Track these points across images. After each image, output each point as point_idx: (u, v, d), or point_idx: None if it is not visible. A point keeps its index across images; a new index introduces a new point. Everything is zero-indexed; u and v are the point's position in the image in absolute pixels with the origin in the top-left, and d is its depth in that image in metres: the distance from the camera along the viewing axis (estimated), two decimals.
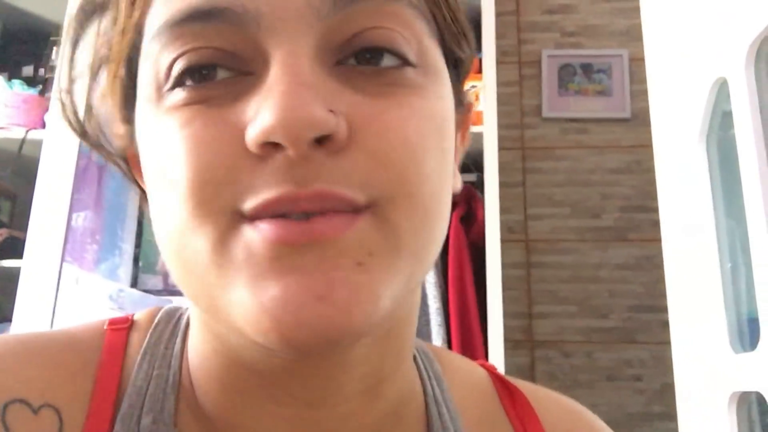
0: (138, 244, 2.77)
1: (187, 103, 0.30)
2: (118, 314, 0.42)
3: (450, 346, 1.53)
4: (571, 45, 2.13)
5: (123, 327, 0.40)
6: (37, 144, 1.57)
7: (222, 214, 0.28)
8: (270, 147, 0.28)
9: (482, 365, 0.46)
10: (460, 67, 0.37)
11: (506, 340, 1.83)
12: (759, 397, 0.80)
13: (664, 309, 1.07)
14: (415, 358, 0.41)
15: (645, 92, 1.66)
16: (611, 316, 1.92)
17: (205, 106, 0.30)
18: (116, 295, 2.55)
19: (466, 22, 0.36)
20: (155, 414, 0.35)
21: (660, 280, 1.09)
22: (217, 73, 0.30)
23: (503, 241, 1.91)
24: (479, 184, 1.67)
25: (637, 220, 1.97)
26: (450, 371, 0.43)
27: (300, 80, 0.28)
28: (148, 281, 2.98)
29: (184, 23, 0.30)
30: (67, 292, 1.59)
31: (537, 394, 0.44)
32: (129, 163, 0.39)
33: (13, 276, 1.53)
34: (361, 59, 0.31)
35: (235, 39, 0.30)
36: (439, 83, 0.33)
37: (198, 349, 0.37)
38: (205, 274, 0.29)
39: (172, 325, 0.40)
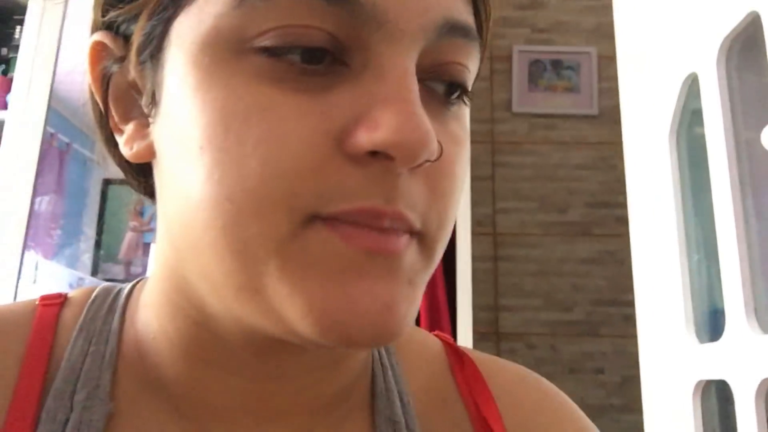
0: (100, 231, 2.71)
1: (278, 77, 0.29)
2: None
3: None
4: (542, 41, 2.16)
5: (55, 303, 0.39)
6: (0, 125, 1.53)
7: (298, 210, 0.28)
8: (371, 154, 0.28)
9: (437, 335, 0.47)
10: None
11: (473, 332, 1.85)
12: (722, 384, 0.83)
13: (625, 303, 1.09)
14: None
15: (612, 90, 1.69)
16: (575, 310, 1.95)
17: (296, 88, 0.29)
18: (76, 284, 2.49)
19: None
20: (90, 389, 0.35)
21: (622, 275, 1.12)
22: (320, 57, 0.29)
23: (472, 233, 1.92)
24: None
25: (602, 216, 2.01)
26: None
27: (418, 101, 0.29)
28: (109, 270, 2.91)
29: None
30: (28, 280, 1.55)
31: (485, 360, 0.45)
32: (111, 108, 0.35)
33: None
34: (437, 86, 0.33)
35: (348, 28, 0.29)
36: (468, 114, 0.36)
37: (160, 318, 0.36)
38: (261, 262, 0.29)
39: (110, 302, 0.39)
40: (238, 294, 0.30)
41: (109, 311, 0.39)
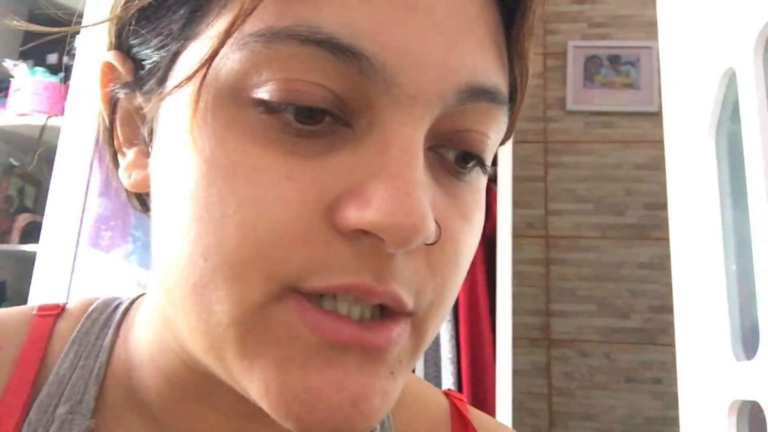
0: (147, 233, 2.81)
1: (272, 137, 0.27)
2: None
3: (458, 343, 1.51)
4: (599, 36, 2.07)
5: (51, 314, 0.39)
6: (58, 131, 1.60)
7: (275, 280, 0.26)
8: (362, 231, 0.26)
9: (447, 394, 0.44)
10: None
11: (522, 338, 1.79)
12: (756, 405, 0.76)
13: None
14: None
15: None
16: (632, 316, 1.86)
17: (289, 150, 0.26)
18: (145, 282, 2.58)
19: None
20: (73, 404, 0.34)
21: None
22: (320, 117, 0.27)
23: (522, 236, 1.87)
24: (496, 178, 1.64)
25: (662, 218, 1.90)
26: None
27: (419, 178, 0.26)
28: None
29: (316, 45, 0.26)
30: (86, 276, 1.62)
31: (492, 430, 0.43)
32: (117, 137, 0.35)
33: (32, 260, 1.56)
34: (449, 153, 0.30)
35: (354, 88, 0.27)
36: (485, 183, 0.33)
37: (151, 345, 0.36)
38: (222, 329, 0.27)
39: (107, 316, 0.39)
40: (205, 355, 0.29)
41: (104, 326, 0.38)
